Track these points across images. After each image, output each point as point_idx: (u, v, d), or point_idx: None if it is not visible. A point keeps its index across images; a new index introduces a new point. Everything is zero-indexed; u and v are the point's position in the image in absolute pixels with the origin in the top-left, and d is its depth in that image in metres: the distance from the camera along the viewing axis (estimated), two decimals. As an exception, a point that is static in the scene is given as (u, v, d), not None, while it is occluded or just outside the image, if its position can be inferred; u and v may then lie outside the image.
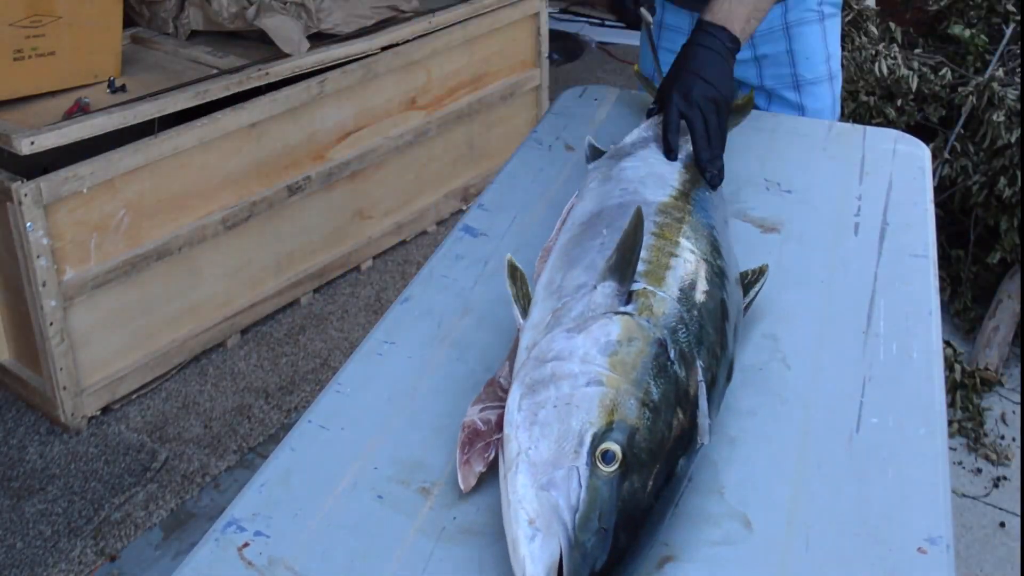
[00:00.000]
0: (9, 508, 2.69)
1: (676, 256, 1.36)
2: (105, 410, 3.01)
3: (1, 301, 2.96)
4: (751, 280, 1.51)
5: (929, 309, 1.53)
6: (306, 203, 3.45)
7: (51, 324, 2.77)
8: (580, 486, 1.05)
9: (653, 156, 1.69)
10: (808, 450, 1.25)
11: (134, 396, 3.07)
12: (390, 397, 1.34)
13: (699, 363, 1.22)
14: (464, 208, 3.87)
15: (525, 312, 1.32)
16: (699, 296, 1.31)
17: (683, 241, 1.40)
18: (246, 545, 1.11)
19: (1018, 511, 2.70)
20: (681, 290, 1.30)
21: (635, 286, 1.27)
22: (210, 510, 2.71)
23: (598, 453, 1.06)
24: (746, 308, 1.46)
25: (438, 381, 1.37)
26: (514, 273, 1.35)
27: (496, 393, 1.26)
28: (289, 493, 1.19)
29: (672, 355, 1.19)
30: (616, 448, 1.07)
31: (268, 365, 3.25)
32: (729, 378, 1.30)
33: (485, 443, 1.19)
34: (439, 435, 1.28)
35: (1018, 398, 3.13)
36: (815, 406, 1.33)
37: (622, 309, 1.23)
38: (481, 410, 1.23)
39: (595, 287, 1.28)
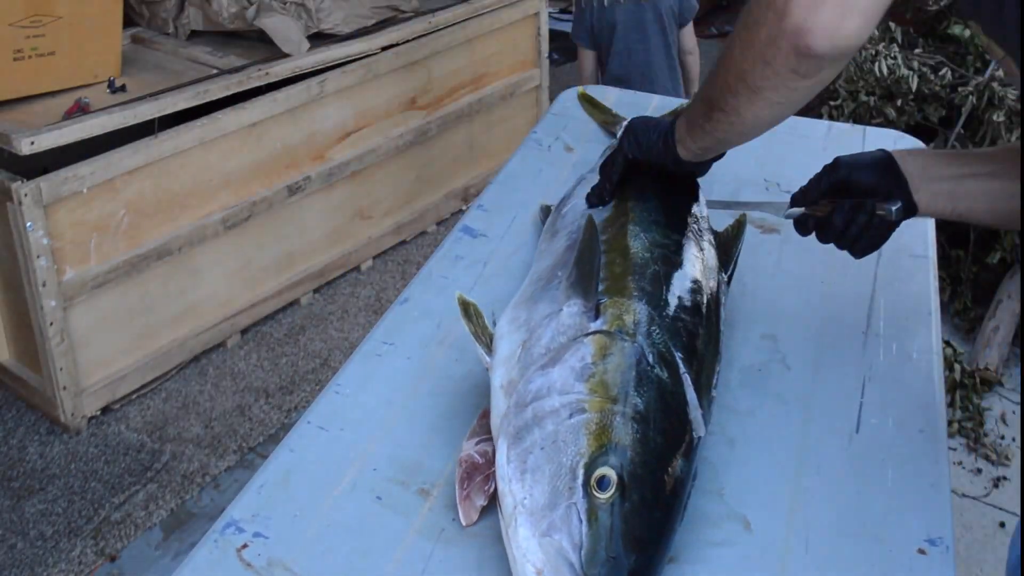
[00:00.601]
0: (9, 508, 2.68)
1: (631, 260, 1.35)
2: (105, 410, 3.01)
3: (1, 301, 2.95)
4: (730, 236, 1.52)
5: (929, 309, 1.53)
6: (306, 203, 3.44)
7: (51, 324, 2.77)
8: (580, 521, 1.02)
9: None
10: (808, 450, 1.24)
11: (134, 396, 3.07)
12: (389, 398, 1.35)
13: (679, 357, 1.20)
14: (464, 208, 3.86)
15: (488, 348, 1.28)
16: (666, 290, 1.30)
17: (632, 243, 1.39)
18: (245, 546, 1.11)
19: (1018, 511, 2.70)
20: (646, 291, 1.28)
21: (601, 300, 1.26)
22: (210, 510, 2.71)
23: (593, 482, 1.04)
24: (732, 268, 1.47)
25: (437, 382, 1.37)
26: (467, 309, 1.32)
27: (489, 426, 1.23)
28: (288, 494, 1.19)
29: (651, 359, 1.17)
30: (610, 472, 1.05)
31: (268, 365, 3.24)
32: (718, 356, 1.29)
33: (484, 476, 1.16)
34: (438, 436, 1.28)
35: (1018, 398, 3.13)
36: (815, 406, 1.32)
37: (592, 327, 1.21)
38: (477, 443, 1.21)
39: (561, 309, 1.26)
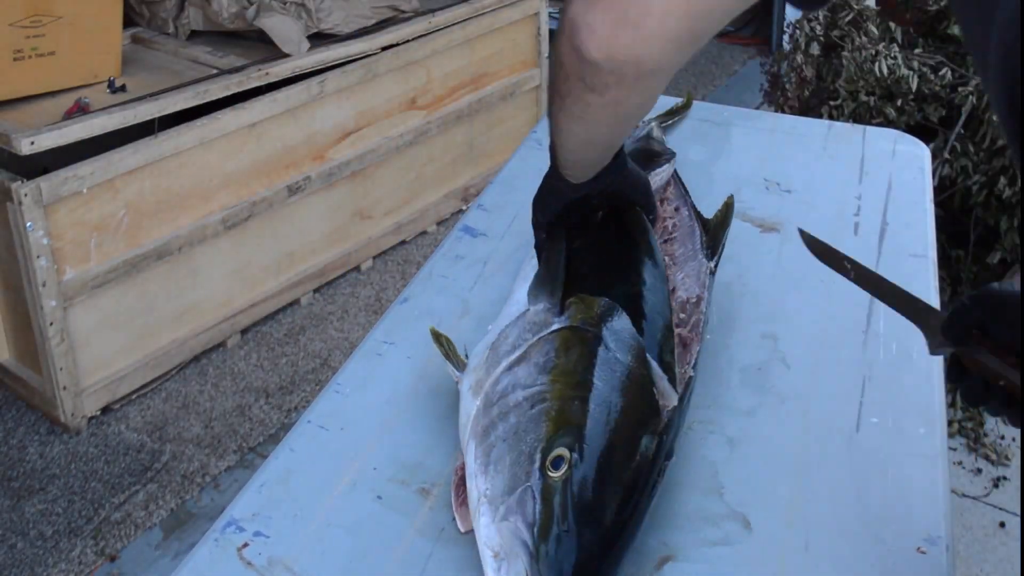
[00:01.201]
0: (9, 508, 2.68)
1: (595, 254, 1.37)
2: (105, 410, 3.01)
3: (1, 301, 2.95)
4: (717, 221, 1.52)
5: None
6: (306, 203, 3.45)
7: (51, 324, 2.77)
8: (534, 500, 1.03)
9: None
10: (808, 450, 1.24)
11: (134, 396, 3.07)
12: (389, 398, 1.34)
13: (642, 340, 1.21)
14: (464, 208, 3.86)
15: (458, 366, 1.28)
16: (626, 282, 1.32)
17: (584, 249, 1.38)
18: (245, 545, 1.10)
19: (1018, 511, 2.70)
20: (609, 283, 1.29)
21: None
22: (210, 510, 2.71)
23: (548, 463, 1.05)
24: (720, 250, 1.47)
25: (438, 381, 1.37)
26: (439, 338, 1.31)
27: None
28: (288, 493, 1.18)
29: (612, 345, 1.18)
30: (564, 451, 1.06)
31: (268, 365, 3.25)
32: (671, 330, 1.31)
33: None
34: (438, 436, 1.27)
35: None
36: (815, 406, 1.32)
37: (556, 324, 1.22)
38: None
39: (527, 309, 1.27)
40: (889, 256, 1.65)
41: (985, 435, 2.97)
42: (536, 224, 1.42)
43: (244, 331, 3.36)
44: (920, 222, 1.76)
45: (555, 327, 1.21)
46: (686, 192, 1.64)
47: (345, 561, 1.09)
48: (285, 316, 3.48)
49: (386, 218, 3.79)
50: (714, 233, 1.50)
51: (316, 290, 3.59)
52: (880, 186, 1.87)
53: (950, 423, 2.92)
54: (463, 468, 1.15)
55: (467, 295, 1.56)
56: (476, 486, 1.08)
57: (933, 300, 1.56)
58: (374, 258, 3.79)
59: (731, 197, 1.55)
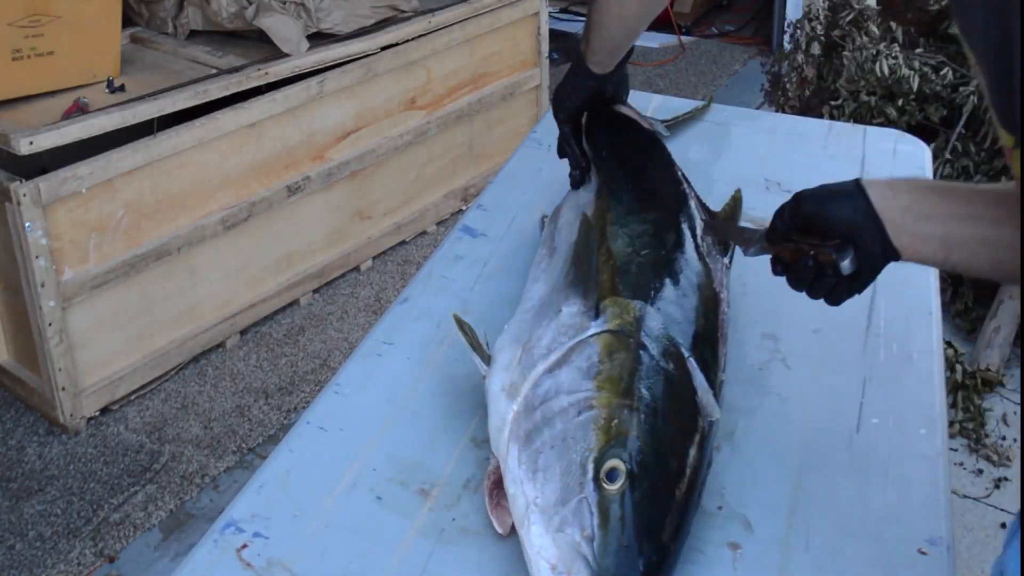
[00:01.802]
0: (8, 509, 2.68)
1: (623, 255, 1.36)
2: (104, 411, 3.01)
3: (0, 302, 2.95)
4: (726, 216, 1.54)
5: (930, 309, 1.53)
6: (306, 203, 3.45)
7: (50, 325, 2.77)
8: (591, 513, 1.03)
9: (573, 200, 1.60)
10: (808, 450, 1.25)
11: (133, 397, 3.07)
12: (389, 398, 1.35)
13: (682, 346, 1.21)
14: (464, 208, 3.86)
15: (485, 358, 1.28)
16: (662, 281, 1.30)
17: (616, 244, 1.38)
18: (244, 546, 1.11)
19: (1018, 512, 2.70)
20: (641, 287, 1.29)
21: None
22: (209, 511, 2.71)
23: (602, 475, 1.04)
24: (732, 250, 1.48)
25: (437, 382, 1.38)
26: (462, 326, 1.32)
27: None
28: (288, 494, 1.19)
29: (655, 352, 1.18)
30: (619, 463, 1.05)
31: (267, 366, 3.24)
32: (723, 337, 1.31)
33: None
34: (438, 436, 1.28)
35: (1019, 399, 3.13)
36: (815, 406, 1.33)
37: (594, 327, 1.22)
38: None
39: (560, 310, 1.26)
40: (889, 256, 1.65)
41: (986, 436, 2.96)
42: (560, 119, 1.70)
43: (243, 331, 3.36)
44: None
45: (593, 330, 1.21)
46: (694, 192, 1.64)
47: (344, 561, 1.09)
48: (284, 316, 3.48)
49: (386, 218, 3.79)
50: (724, 226, 1.52)
51: (316, 290, 3.59)
52: (881, 186, 1.87)
53: (951, 424, 2.92)
54: (497, 471, 1.15)
55: (467, 295, 1.56)
56: (523, 492, 1.07)
57: (934, 302, 1.56)
58: (374, 258, 3.79)
59: (739, 191, 1.59)
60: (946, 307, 3.43)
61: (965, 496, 2.77)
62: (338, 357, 3.26)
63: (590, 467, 1.05)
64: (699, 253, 1.40)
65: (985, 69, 0.94)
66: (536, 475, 1.07)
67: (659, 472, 1.07)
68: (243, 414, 3.03)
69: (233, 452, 2.89)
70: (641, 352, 1.18)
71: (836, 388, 1.36)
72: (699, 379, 1.18)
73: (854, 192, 1.12)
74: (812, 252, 1.15)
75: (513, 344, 1.26)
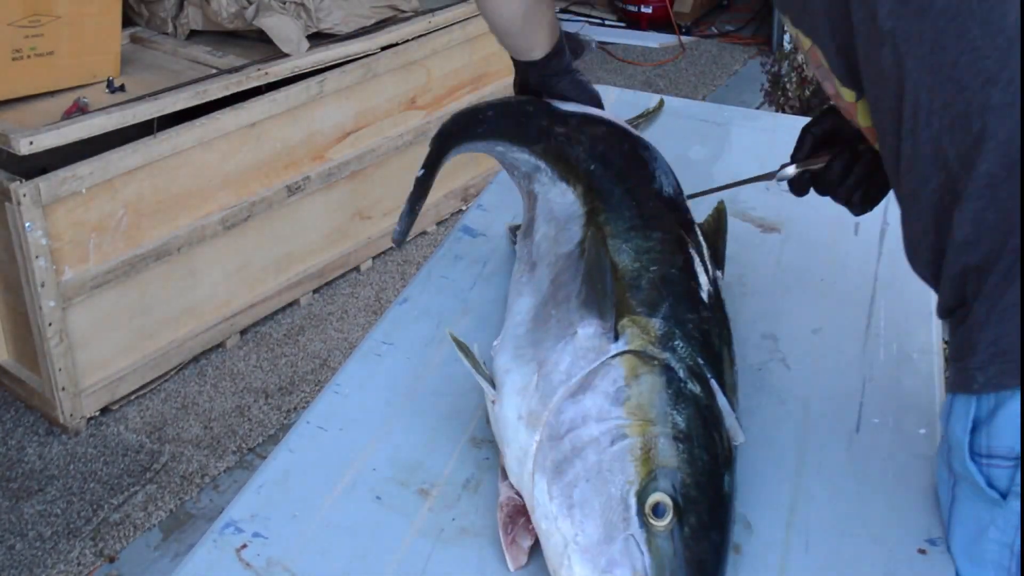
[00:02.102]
0: (8, 509, 2.68)
1: (626, 274, 1.28)
2: (104, 411, 3.01)
3: (0, 302, 2.95)
4: (711, 228, 1.47)
5: (929, 309, 1.52)
6: (306, 203, 3.45)
7: (50, 324, 2.77)
8: (642, 553, 0.99)
9: (547, 214, 1.50)
10: (808, 450, 1.24)
11: (133, 397, 3.07)
12: (388, 398, 1.34)
13: (704, 367, 1.16)
14: (464, 208, 3.86)
15: (490, 381, 1.22)
16: (676, 298, 1.24)
17: (621, 259, 1.30)
18: (244, 546, 1.10)
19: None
20: (656, 303, 1.22)
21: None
22: (209, 511, 2.71)
23: (648, 510, 1.00)
24: (723, 261, 1.44)
25: (437, 382, 1.37)
26: (463, 348, 1.25)
27: None
28: (287, 494, 1.18)
29: (682, 374, 1.13)
30: (664, 498, 1.01)
31: (267, 366, 3.25)
32: (734, 356, 1.27)
33: (527, 517, 1.11)
34: (438, 436, 1.27)
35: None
36: (815, 406, 1.32)
37: (614, 348, 1.16)
38: (511, 485, 1.15)
39: (575, 332, 1.20)
40: (889, 256, 1.66)
41: None
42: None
43: (243, 331, 3.36)
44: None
45: (614, 352, 1.15)
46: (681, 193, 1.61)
47: (344, 562, 1.09)
48: (284, 316, 3.49)
49: (385, 218, 3.79)
50: (712, 242, 1.46)
51: (315, 290, 3.59)
52: (881, 186, 1.87)
53: None
54: (511, 502, 1.11)
55: (466, 295, 1.56)
56: (558, 529, 1.03)
57: (931, 300, 1.56)
58: (373, 258, 3.79)
59: (722, 203, 1.52)
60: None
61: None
62: (338, 357, 3.27)
63: (632, 501, 1.01)
64: (705, 266, 1.35)
65: (822, 39, 1.10)
66: (573, 511, 1.03)
67: (703, 504, 1.03)
68: (243, 414, 3.03)
69: (233, 452, 2.89)
70: (668, 374, 1.13)
71: (836, 388, 1.36)
72: (723, 402, 1.14)
73: None
74: (860, 151, 1.31)
75: (520, 366, 1.21)
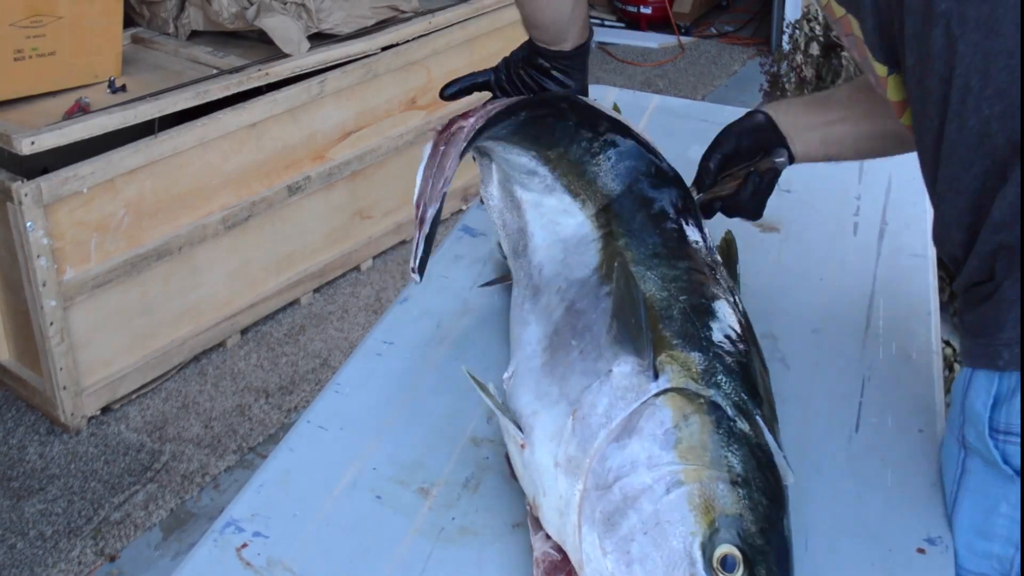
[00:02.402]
0: (9, 508, 2.68)
1: (657, 304, 1.19)
2: (105, 410, 3.01)
3: (1, 301, 2.95)
4: (723, 256, 1.39)
5: (928, 309, 1.53)
6: (306, 203, 3.45)
7: (51, 324, 2.77)
8: None
9: (548, 232, 1.40)
10: (808, 450, 1.24)
11: (134, 396, 3.07)
12: (389, 397, 1.34)
13: (749, 402, 1.09)
14: (463, 208, 3.86)
15: (516, 423, 1.13)
16: (711, 328, 1.16)
17: (647, 286, 1.22)
18: (244, 546, 1.10)
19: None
20: (690, 335, 1.14)
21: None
22: (210, 510, 2.71)
23: (716, 564, 0.94)
24: (738, 287, 1.38)
25: (437, 381, 1.37)
26: (485, 389, 1.15)
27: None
28: (288, 494, 1.18)
29: (730, 412, 1.06)
30: (732, 550, 0.95)
31: (268, 365, 3.25)
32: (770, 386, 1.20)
33: (567, 572, 1.02)
34: (438, 436, 1.27)
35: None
36: (815, 406, 1.32)
37: (655, 387, 1.07)
38: (546, 538, 1.06)
39: (610, 370, 1.10)
40: (888, 256, 1.66)
41: None
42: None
43: (244, 331, 3.36)
44: (919, 220, 1.76)
45: (655, 391, 1.07)
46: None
47: (344, 561, 1.09)
48: (285, 316, 3.49)
49: (386, 218, 3.79)
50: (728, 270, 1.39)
51: (316, 290, 3.59)
52: (879, 186, 1.88)
53: None
54: (546, 559, 1.04)
55: (466, 295, 1.56)
56: None
57: (932, 301, 1.56)
58: (374, 258, 3.79)
59: (729, 232, 1.46)
60: (944, 307, 3.41)
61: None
62: (338, 356, 3.26)
63: (698, 555, 0.95)
64: (733, 294, 1.28)
65: (861, 13, 1.12)
66: (632, 567, 0.95)
67: (771, 553, 0.97)
68: (244, 413, 3.03)
69: (234, 451, 2.89)
70: (716, 414, 1.05)
71: (835, 388, 1.36)
72: (770, 439, 1.07)
73: (764, 120, 1.45)
74: (752, 169, 1.43)
75: (548, 407, 1.12)
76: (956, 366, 3.07)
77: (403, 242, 3.88)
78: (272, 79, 3.24)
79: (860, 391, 1.35)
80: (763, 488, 1.01)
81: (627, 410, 1.05)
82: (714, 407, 1.05)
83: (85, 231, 2.81)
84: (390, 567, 1.08)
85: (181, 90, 3.03)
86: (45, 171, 2.72)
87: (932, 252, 1.68)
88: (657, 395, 1.06)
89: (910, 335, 1.47)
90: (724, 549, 0.95)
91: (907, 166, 1.93)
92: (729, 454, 1.02)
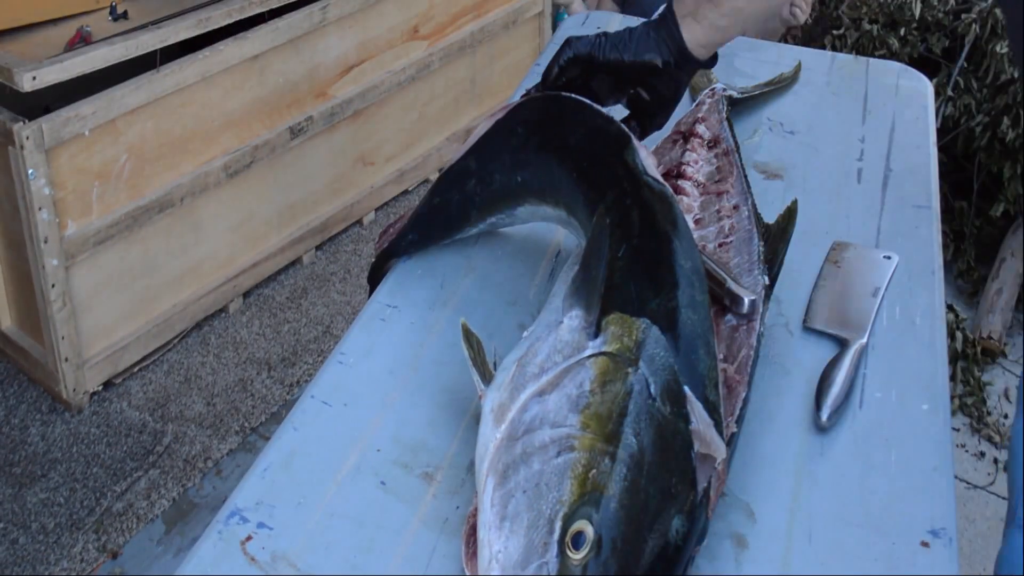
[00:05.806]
0: (12, 497, 2.68)
1: (624, 261, 1.16)
2: (107, 385, 3.02)
3: (2, 260, 2.94)
4: (778, 230, 1.38)
5: (932, 268, 1.51)
6: (308, 147, 3.45)
7: (53, 286, 2.76)
8: None
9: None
10: (811, 429, 1.23)
11: (136, 369, 3.09)
12: (392, 368, 1.33)
13: (685, 382, 1.04)
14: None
15: (484, 377, 1.14)
16: (670, 300, 1.11)
17: (622, 251, 1.17)
18: (249, 538, 1.10)
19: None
20: (645, 301, 1.10)
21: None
22: (212, 499, 2.72)
23: (568, 538, 0.91)
24: (778, 268, 1.36)
25: (441, 350, 1.35)
26: (469, 337, 1.17)
27: None
28: (292, 478, 1.18)
29: (653, 388, 1.02)
30: (587, 527, 0.92)
31: (270, 333, 3.26)
32: (718, 375, 1.14)
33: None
34: (441, 412, 1.26)
35: (1019, 370, 2.99)
36: (818, 377, 1.31)
37: (591, 347, 1.06)
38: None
39: (561, 321, 1.10)
40: (892, 207, 1.66)
41: (988, 413, 2.86)
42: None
43: (246, 294, 3.38)
44: (923, 167, 1.76)
45: (589, 352, 1.05)
46: (749, 189, 1.53)
47: (349, 555, 1.08)
48: (287, 277, 3.50)
49: (388, 164, 3.79)
50: (773, 244, 1.37)
51: (318, 247, 3.60)
52: (883, 127, 1.88)
53: (952, 399, 2.80)
54: (476, 514, 1.01)
55: (470, 252, 1.55)
56: (488, 540, 0.95)
57: (936, 256, 1.54)
58: (376, 211, 3.80)
59: (795, 202, 1.43)
60: (948, 266, 3.36)
61: (967, 484, 2.64)
62: (340, 323, 3.28)
63: (557, 525, 0.92)
64: (716, 275, 1.25)
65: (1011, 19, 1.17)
66: (504, 523, 0.95)
67: (631, 544, 0.93)
68: (246, 388, 3.04)
69: (236, 432, 2.90)
70: (636, 387, 1.01)
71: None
72: (700, 411, 1.02)
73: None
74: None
75: (510, 354, 1.13)
76: (958, 334, 3.03)
77: (405, 192, 3.88)
78: (274, 4, 3.20)
79: (864, 361, 1.33)
80: (656, 475, 0.97)
81: (560, 366, 1.05)
82: (638, 380, 1.02)
83: (86, 179, 2.79)
84: (395, 563, 1.07)
85: (182, 18, 2.95)
86: (47, 110, 2.67)
87: (936, 202, 1.67)
88: (591, 356, 1.05)
89: (914, 297, 1.45)
90: (579, 525, 0.92)
91: (911, 104, 1.92)
92: (630, 433, 0.98)
